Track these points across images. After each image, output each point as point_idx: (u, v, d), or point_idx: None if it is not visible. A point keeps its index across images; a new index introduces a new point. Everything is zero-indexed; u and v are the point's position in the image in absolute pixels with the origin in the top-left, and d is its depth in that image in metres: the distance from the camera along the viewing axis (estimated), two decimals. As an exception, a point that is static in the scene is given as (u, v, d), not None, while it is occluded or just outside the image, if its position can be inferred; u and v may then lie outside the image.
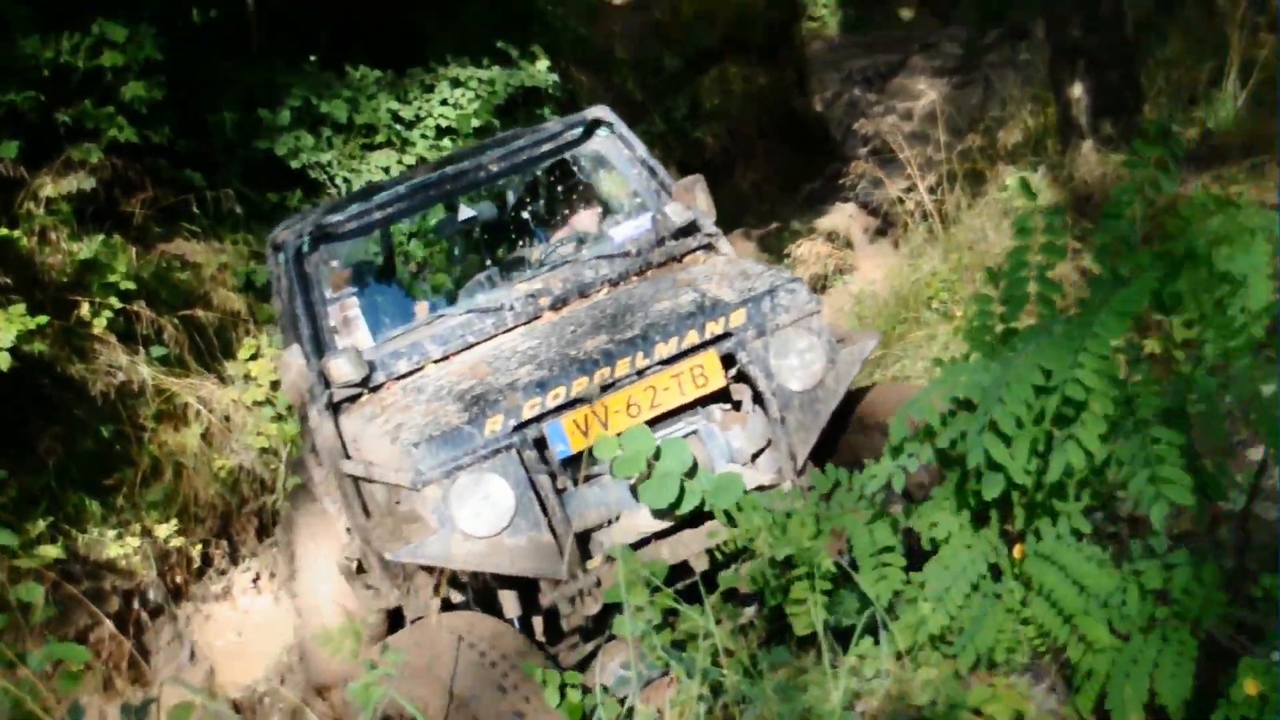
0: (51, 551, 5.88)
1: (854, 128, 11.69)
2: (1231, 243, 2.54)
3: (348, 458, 4.58)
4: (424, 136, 9.78)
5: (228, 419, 7.22)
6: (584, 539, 4.32)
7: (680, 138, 13.69)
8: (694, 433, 4.43)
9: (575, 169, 6.12)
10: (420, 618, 4.36)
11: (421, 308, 5.82)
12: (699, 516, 4.25)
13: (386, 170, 9.30)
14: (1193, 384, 2.73)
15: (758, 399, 4.43)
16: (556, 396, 4.23)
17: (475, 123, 9.95)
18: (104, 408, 6.75)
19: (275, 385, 7.42)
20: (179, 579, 6.87)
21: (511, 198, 6.77)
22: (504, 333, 4.96)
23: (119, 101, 7.72)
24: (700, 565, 4.23)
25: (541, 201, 6.69)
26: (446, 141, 9.79)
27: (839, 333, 4.75)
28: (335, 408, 4.75)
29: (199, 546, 7.01)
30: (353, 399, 4.79)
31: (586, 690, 3.76)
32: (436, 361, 4.87)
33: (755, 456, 4.46)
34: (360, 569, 4.93)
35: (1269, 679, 2.59)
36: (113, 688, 6.13)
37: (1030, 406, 2.61)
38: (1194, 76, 9.44)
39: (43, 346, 6.44)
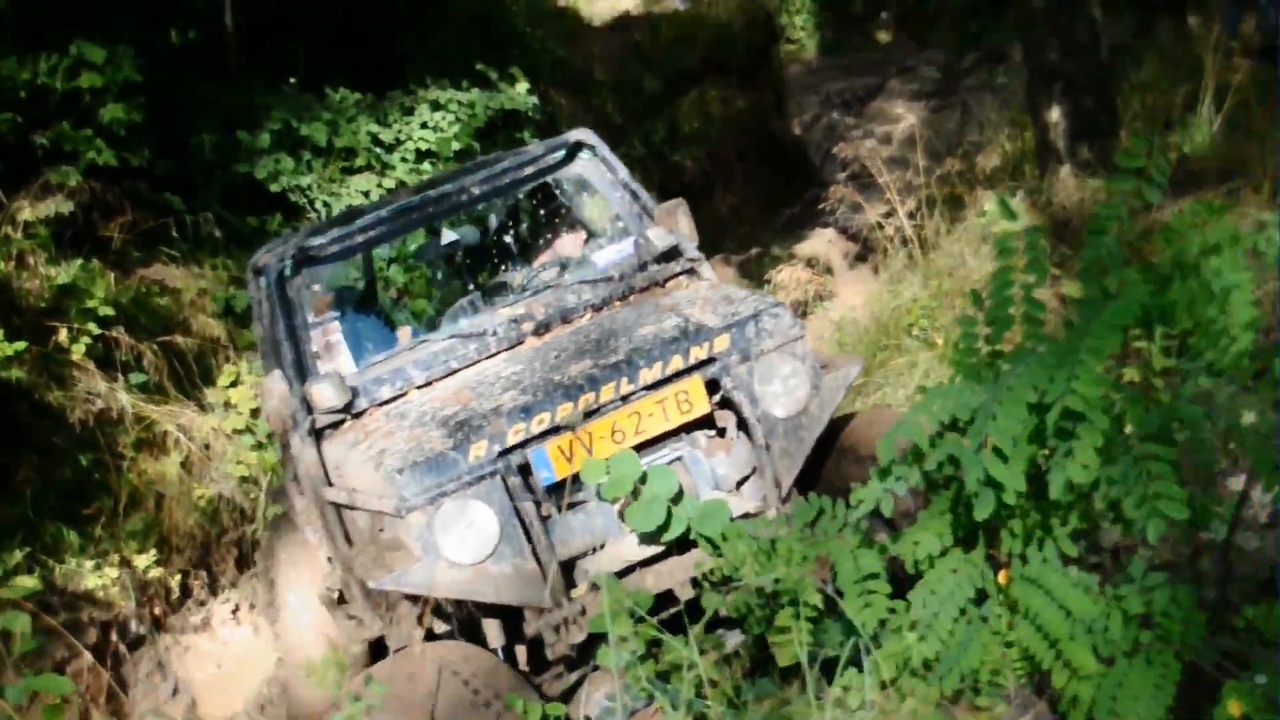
0: (28, 582, 5.82)
1: (833, 152, 11.74)
2: (1221, 252, 2.55)
3: (330, 485, 4.55)
4: (404, 160, 9.76)
5: (207, 447, 7.17)
6: (569, 567, 4.29)
7: (659, 161, 13.71)
8: (679, 459, 4.42)
9: (557, 192, 6.11)
10: (403, 647, 4.33)
11: (404, 333, 5.79)
12: (684, 544, 4.24)
13: (366, 194, 9.27)
14: (1176, 412, 2.73)
15: (742, 425, 4.43)
16: (541, 422, 4.21)
17: (456, 146, 9.94)
18: (82, 435, 6.70)
19: (255, 413, 7.38)
20: (158, 610, 6.80)
21: (494, 221, 6.76)
22: (487, 358, 4.93)
23: (97, 123, 7.68)
24: (685, 594, 4.20)
25: (524, 225, 6.69)
26: (427, 165, 9.77)
27: (823, 358, 4.75)
28: (318, 434, 4.72)
29: (178, 577, 6.95)
30: (335, 425, 4.76)
31: (571, 721, 3.75)
32: (420, 387, 4.84)
33: (740, 483, 4.45)
34: (342, 599, 4.90)
35: (1253, 700, 2.59)
36: (90, 721, 6.07)
37: (1025, 424, 2.61)
38: (1169, 101, 9.52)
39: (20, 373, 6.40)
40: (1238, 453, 3.38)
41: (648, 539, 4.24)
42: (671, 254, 5.29)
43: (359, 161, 9.60)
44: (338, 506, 4.51)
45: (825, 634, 3.54)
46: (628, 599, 3.69)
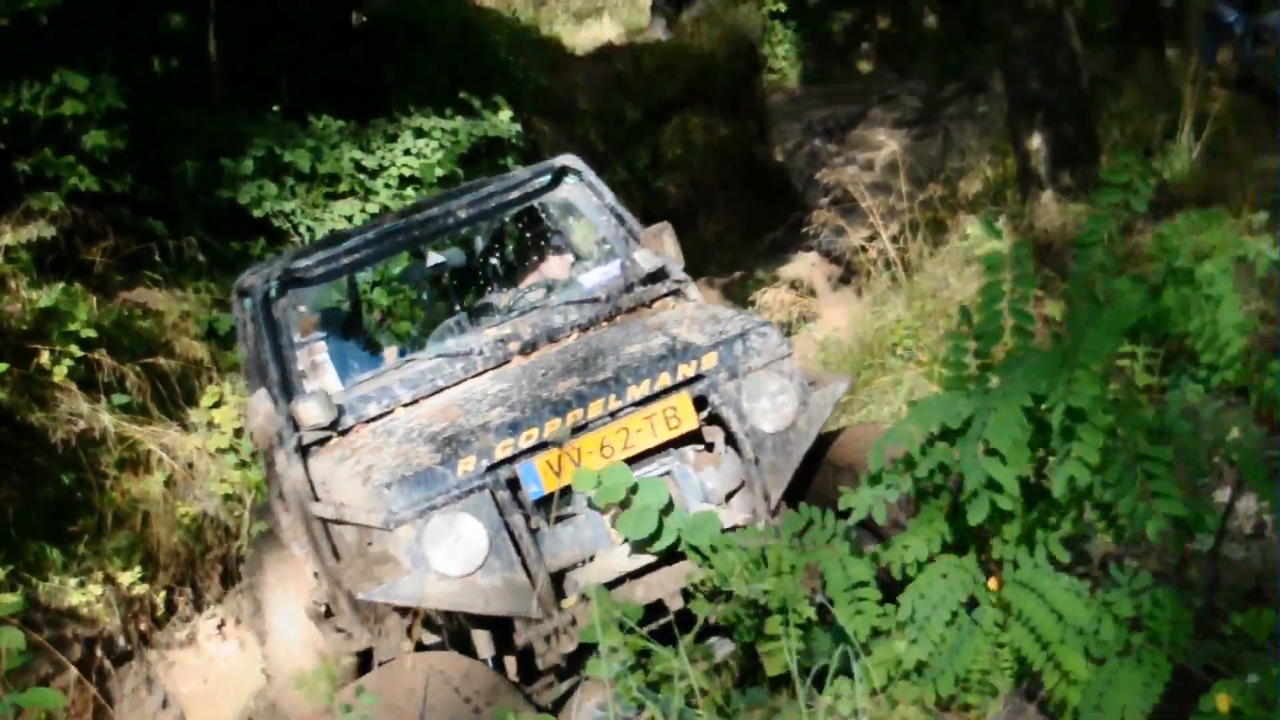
0: (11, 600, 5.77)
1: (815, 177, 11.81)
2: (1215, 257, 2.57)
3: (317, 500, 4.54)
4: (387, 186, 9.77)
5: (191, 466, 7.15)
6: (558, 578, 4.29)
7: (643, 187, 13.76)
8: (668, 474, 4.42)
9: (544, 216, 6.13)
10: (391, 659, 4.32)
11: (390, 353, 5.80)
12: (673, 556, 4.24)
13: (350, 219, 9.27)
14: (1165, 426, 2.75)
15: (730, 440, 4.44)
16: (529, 437, 4.22)
17: (439, 172, 9.96)
18: (65, 455, 6.67)
19: (239, 433, 7.37)
20: (143, 626, 6.77)
21: (480, 244, 6.77)
22: (473, 377, 4.94)
23: (80, 150, 7.67)
24: (675, 604, 4.21)
25: (510, 248, 6.70)
26: (410, 191, 9.78)
27: (810, 376, 4.77)
28: (304, 451, 4.71)
29: (163, 594, 6.91)
30: (321, 442, 4.75)
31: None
32: (406, 405, 4.84)
33: (729, 497, 4.46)
34: (328, 613, 4.88)
35: (1244, 697, 2.60)
36: (76, 737, 6.03)
37: (1022, 428, 2.62)
38: (1149, 130, 9.61)
39: (2, 394, 6.37)
40: (1221, 466, 3.41)
41: (637, 549, 4.25)
42: (658, 275, 5.30)
43: (342, 187, 9.61)
44: (325, 521, 4.50)
45: (815, 643, 3.54)
46: (617, 610, 3.69)
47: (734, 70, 16.23)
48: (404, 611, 4.35)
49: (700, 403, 4.44)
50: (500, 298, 6.05)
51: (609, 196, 5.71)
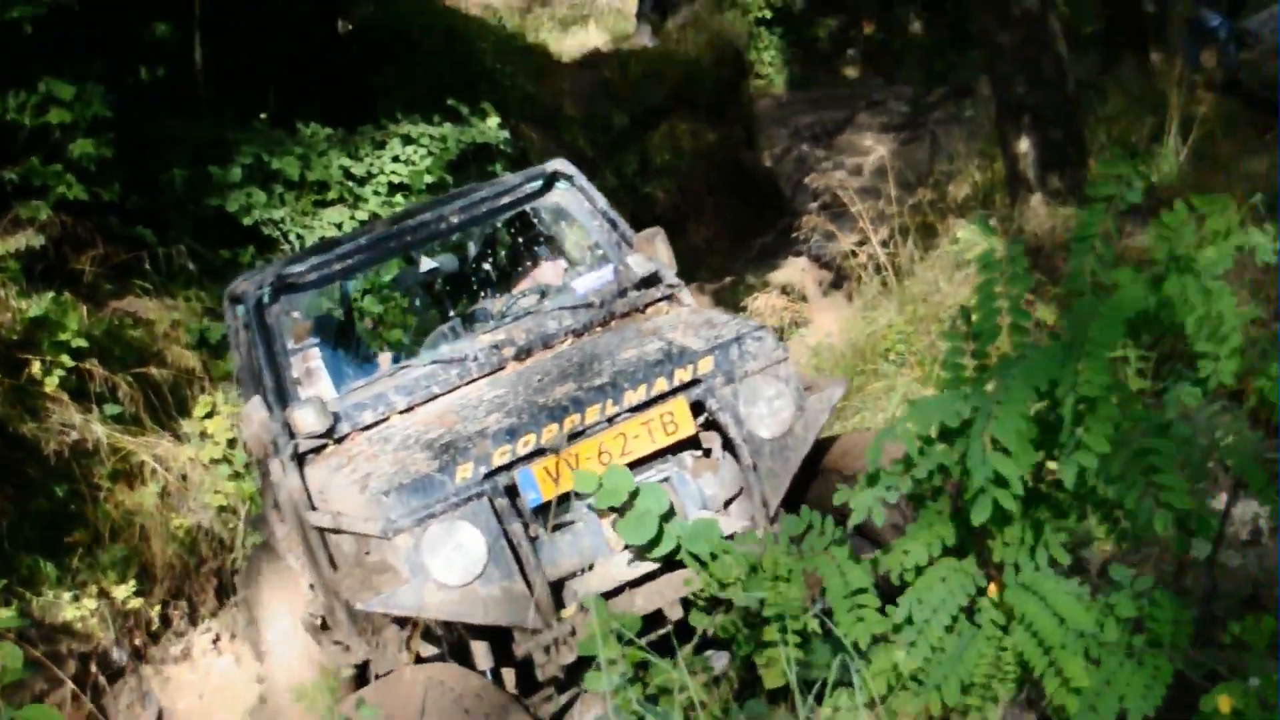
0: (5, 614, 5.74)
1: (804, 182, 11.80)
2: (1218, 242, 2.57)
3: (313, 509, 4.52)
4: (376, 193, 9.76)
5: (184, 477, 7.11)
6: (557, 587, 4.27)
7: (631, 193, 13.75)
8: (666, 480, 4.41)
9: (536, 221, 6.12)
10: (390, 671, 4.29)
11: (385, 359, 5.79)
12: (672, 564, 4.23)
13: (339, 226, 9.26)
14: (1164, 429, 2.75)
15: (728, 446, 4.43)
16: (527, 444, 4.21)
17: (428, 179, 9.95)
18: (57, 467, 6.63)
19: (232, 443, 7.33)
20: (138, 641, 6.73)
21: (472, 250, 6.76)
22: (468, 383, 4.93)
23: (67, 159, 7.65)
24: (674, 614, 4.20)
25: (503, 254, 6.69)
26: (399, 198, 9.77)
27: (807, 380, 4.76)
28: (300, 459, 4.69)
29: (157, 607, 6.87)
30: (317, 450, 4.73)
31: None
32: (402, 412, 4.83)
33: (728, 503, 4.45)
34: (324, 625, 4.85)
35: (1246, 700, 2.60)
36: (70, 753, 5.99)
37: (1027, 423, 2.62)
38: (1135, 133, 9.65)
39: (-9, 405, 6.34)
40: (1216, 471, 3.41)
41: (637, 555, 4.24)
42: (651, 280, 5.30)
43: (331, 195, 9.59)
44: (322, 531, 4.48)
45: (813, 654, 3.52)
46: (615, 621, 3.68)
47: (720, 76, 16.24)
48: (402, 623, 4.33)
49: (697, 408, 4.43)
50: (493, 303, 6.03)
51: (601, 201, 5.71)
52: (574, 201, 5.75)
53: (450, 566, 4.02)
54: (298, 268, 5.35)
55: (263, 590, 5.48)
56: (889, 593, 3.24)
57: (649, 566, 4.25)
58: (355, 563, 4.34)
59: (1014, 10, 8.81)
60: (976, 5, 9.69)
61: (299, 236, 9.10)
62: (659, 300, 5.28)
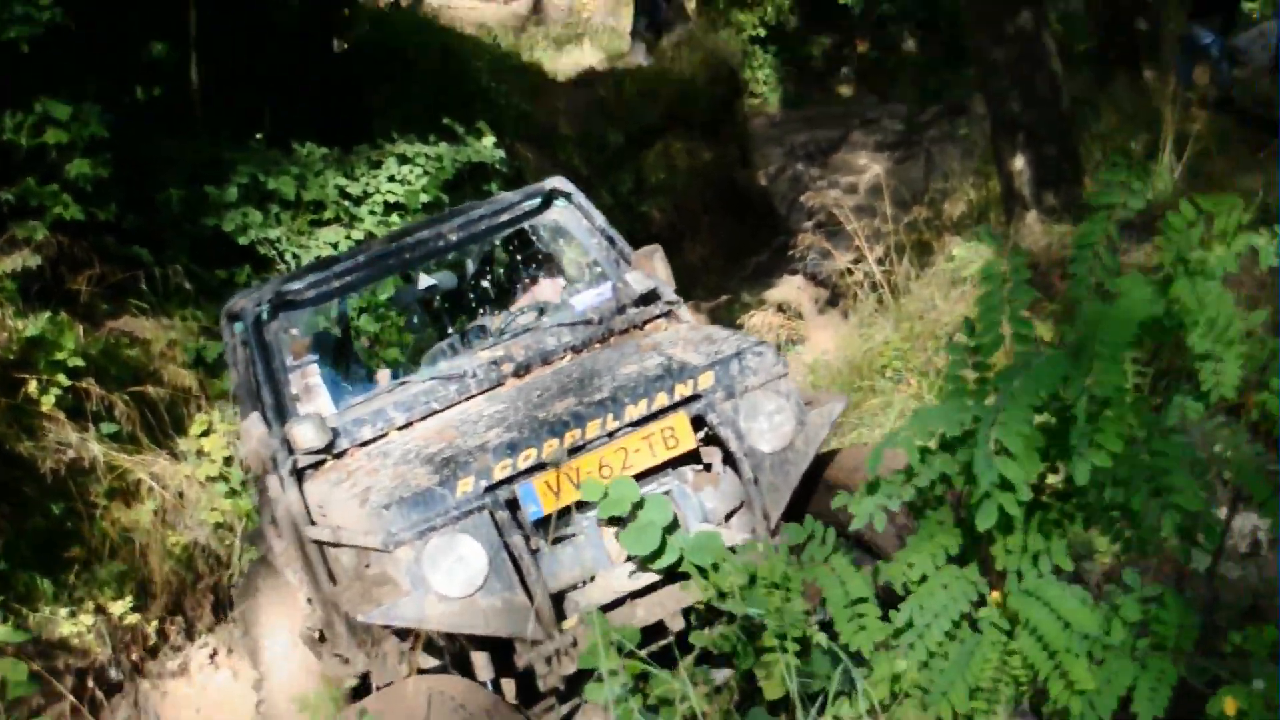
0: (4, 629, 5.72)
1: (800, 200, 11.86)
2: (1227, 241, 2.57)
3: (313, 523, 4.52)
4: (372, 212, 9.77)
5: (181, 495, 7.10)
6: (559, 599, 4.27)
7: (627, 212, 13.78)
8: (667, 494, 4.40)
9: (534, 239, 6.13)
10: (389, 683, 4.29)
11: (383, 375, 5.79)
12: (674, 576, 4.22)
13: (335, 245, 9.27)
14: (1165, 441, 2.75)
15: (728, 460, 4.43)
16: (527, 458, 4.22)
17: (424, 198, 9.96)
18: (54, 485, 6.62)
19: (229, 461, 7.33)
20: (135, 657, 6.71)
21: (471, 268, 6.77)
22: (467, 399, 4.93)
23: (64, 179, 7.66)
24: (676, 625, 4.20)
25: (501, 271, 6.70)
26: (395, 217, 9.78)
27: (807, 395, 4.77)
28: (299, 474, 4.69)
29: (154, 623, 6.85)
30: (316, 465, 4.73)
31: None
32: (400, 428, 4.83)
33: (728, 517, 4.45)
34: (322, 638, 4.84)
35: (1251, 702, 2.60)
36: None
37: (1032, 428, 2.62)
38: (1130, 150, 9.68)
39: (-10, 424, 6.33)
40: (1215, 484, 3.41)
41: (638, 569, 4.24)
42: (650, 297, 5.31)
43: (327, 214, 9.60)
44: (321, 544, 4.47)
45: (814, 665, 3.52)
46: (615, 633, 3.67)
47: (715, 95, 16.31)
48: (402, 635, 4.33)
49: (698, 423, 4.43)
50: (492, 320, 6.04)
51: (599, 219, 5.73)
52: (572, 219, 5.77)
53: (451, 578, 4.02)
54: (297, 285, 5.36)
55: (260, 605, 5.47)
56: (888, 603, 3.24)
57: (650, 578, 4.25)
58: (355, 576, 4.34)
59: (1008, 28, 8.86)
60: (971, 23, 9.74)
61: (295, 256, 9.11)
62: (658, 317, 5.29)
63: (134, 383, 7.43)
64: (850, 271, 9.03)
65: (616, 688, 3.47)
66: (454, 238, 5.59)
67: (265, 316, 5.24)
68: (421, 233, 5.61)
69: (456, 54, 14.26)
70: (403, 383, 5.12)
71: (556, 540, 4.26)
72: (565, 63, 18.64)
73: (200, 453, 7.37)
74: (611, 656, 3.54)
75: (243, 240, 9.03)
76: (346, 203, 9.74)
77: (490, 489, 4.16)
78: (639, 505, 4.15)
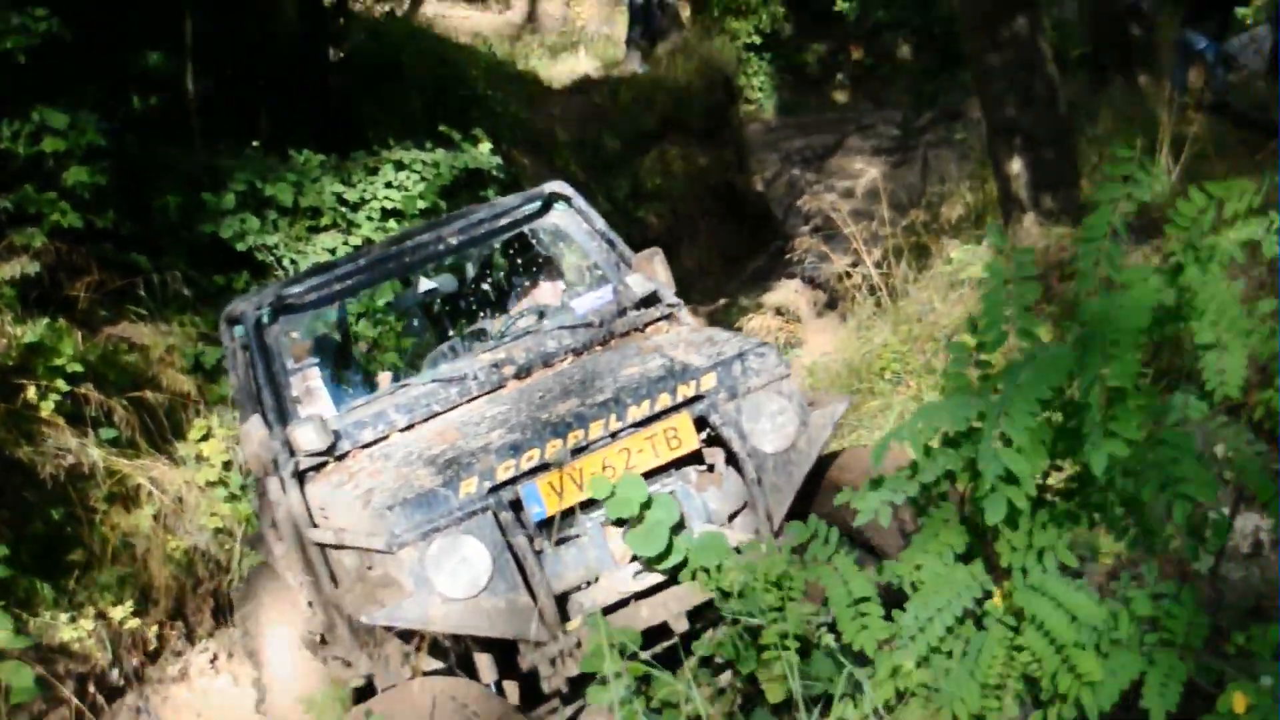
0: (4, 634, 5.71)
1: (797, 205, 11.88)
2: (1236, 225, 2.57)
3: (314, 526, 4.51)
4: (370, 219, 9.75)
5: (180, 500, 7.09)
6: (563, 600, 4.26)
7: (624, 217, 13.78)
8: (670, 494, 4.40)
9: (534, 242, 6.14)
10: (392, 686, 4.28)
11: (384, 378, 5.79)
12: (677, 577, 4.21)
13: (333, 251, 9.25)
14: (1174, 432, 2.75)
15: (731, 461, 4.43)
16: (531, 459, 4.21)
17: (421, 204, 9.95)
18: (54, 490, 6.60)
19: (228, 466, 7.32)
20: (135, 661, 6.69)
21: (471, 271, 6.77)
22: (468, 401, 4.93)
23: (61, 186, 7.64)
24: (680, 626, 4.20)
25: (501, 275, 6.70)
26: (392, 223, 9.77)
27: (809, 396, 4.77)
28: (300, 476, 4.68)
29: (155, 628, 6.84)
30: (318, 468, 4.73)
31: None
32: (402, 430, 4.83)
33: (732, 518, 4.45)
34: (324, 641, 4.83)
35: (1259, 698, 2.61)
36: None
37: (1037, 419, 2.61)
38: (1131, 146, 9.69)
39: (-11, 430, 6.33)
40: (1216, 484, 3.41)
41: (642, 568, 4.23)
42: (651, 300, 5.32)
43: (325, 220, 9.59)
44: (323, 547, 4.46)
45: (816, 667, 3.51)
46: (618, 636, 3.67)
47: (710, 102, 16.34)
48: (405, 637, 4.32)
49: (700, 424, 4.43)
50: (492, 324, 6.04)
51: (599, 222, 5.73)
52: (572, 223, 5.77)
53: (455, 579, 4.02)
54: (297, 288, 5.36)
55: (261, 609, 5.45)
56: (891, 603, 3.24)
57: (654, 579, 4.25)
58: (358, 578, 4.34)
59: (1003, 33, 8.86)
60: (966, 29, 9.75)
61: (292, 262, 9.10)
62: (658, 319, 5.30)
63: (133, 388, 7.42)
64: (848, 275, 9.04)
65: (620, 690, 3.47)
66: (454, 242, 5.60)
67: (266, 320, 5.24)
68: (422, 237, 5.61)
69: (451, 62, 14.30)
70: (404, 385, 5.13)
71: (560, 541, 4.26)
72: (560, 71, 18.66)
73: (199, 458, 7.36)
74: (615, 659, 3.54)
75: (240, 247, 9.01)
76: (344, 209, 9.73)
77: (493, 490, 4.15)
78: (646, 504, 4.15)
